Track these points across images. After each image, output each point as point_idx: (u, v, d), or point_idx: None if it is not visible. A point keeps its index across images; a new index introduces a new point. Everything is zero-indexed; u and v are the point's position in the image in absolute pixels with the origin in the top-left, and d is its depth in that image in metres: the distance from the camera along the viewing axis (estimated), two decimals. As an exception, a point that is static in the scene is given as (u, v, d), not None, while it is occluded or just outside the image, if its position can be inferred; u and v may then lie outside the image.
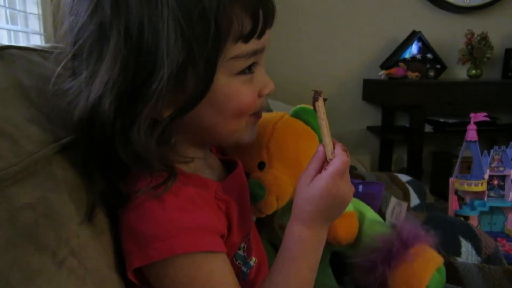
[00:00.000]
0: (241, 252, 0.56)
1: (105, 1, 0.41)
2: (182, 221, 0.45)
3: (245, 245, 0.56)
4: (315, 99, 0.50)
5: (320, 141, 0.52)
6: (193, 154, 0.52)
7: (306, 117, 0.66)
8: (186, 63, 0.42)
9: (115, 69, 0.41)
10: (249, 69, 0.49)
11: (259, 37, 0.47)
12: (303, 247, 0.50)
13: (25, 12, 1.47)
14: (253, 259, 0.57)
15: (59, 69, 0.45)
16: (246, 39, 0.45)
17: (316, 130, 0.65)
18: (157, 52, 0.41)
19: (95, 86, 0.42)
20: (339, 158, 0.49)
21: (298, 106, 0.67)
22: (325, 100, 0.50)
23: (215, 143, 0.59)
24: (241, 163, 0.62)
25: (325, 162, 0.51)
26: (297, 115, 0.67)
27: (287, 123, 0.65)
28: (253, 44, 0.46)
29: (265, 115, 0.65)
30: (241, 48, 0.46)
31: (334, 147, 0.51)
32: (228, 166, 0.61)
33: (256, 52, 0.48)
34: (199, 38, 0.42)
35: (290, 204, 0.58)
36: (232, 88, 0.48)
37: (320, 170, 0.50)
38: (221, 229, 0.49)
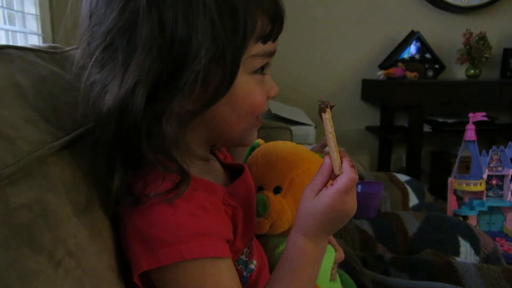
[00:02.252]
0: (243, 257, 0.56)
1: None
2: (192, 227, 0.45)
3: (248, 250, 0.56)
4: (321, 110, 0.49)
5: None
6: (200, 155, 0.53)
7: None
8: (216, 57, 0.44)
9: (150, 59, 0.42)
10: (262, 70, 0.51)
11: (274, 39, 0.50)
12: (305, 260, 0.50)
13: (23, 12, 1.47)
14: (254, 262, 0.57)
15: (92, 61, 0.45)
16: (265, 39, 0.49)
17: None
18: (190, 45, 0.43)
19: (130, 74, 0.42)
20: (347, 175, 0.48)
21: None
22: (332, 107, 0.49)
23: (222, 142, 0.59)
24: (264, 175, 0.64)
25: (331, 175, 0.50)
26: None
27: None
28: (269, 46, 0.50)
29: (309, 151, 0.68)
30: (260, 47, 0.49)
31: (341, 162, 0.50)
32: (232, 171, 0.61)
33: (270, 54, 0.51)
34: (228, 35, 0.44)
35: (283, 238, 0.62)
36: (249, 87, 0.50)
37: (326, 183, 0.50)
38: (228, 235, 0.50)
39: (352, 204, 0.49)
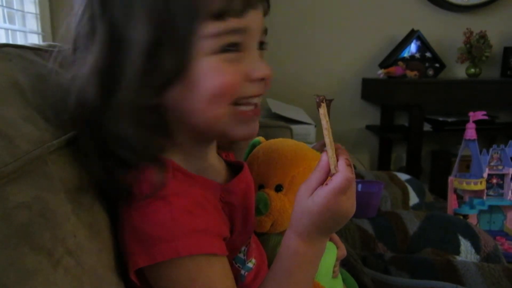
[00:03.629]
0: (241, 255, 0.55)
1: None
2: (188, 224, 0.45)
3: (246, 248, 0.56)
4: (317, 105, 0.46)
5: None
6: (197, 152, 0.53)
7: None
8: (158, 42, 0.43)
9: (98, 54, 0.44)
10: (234, 47, 0.47)
11: (238, 15, 0.45)
12: (298, 261, 0.49)
13: (22, 11, 1.47)
14: (253, 260, 0.56)
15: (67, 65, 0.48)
16: (220, 16, 0.45)
17: None
18: (130, 33, 0.43)
19: (82, 72, 0.45)
20: (342, 175, 0.45)
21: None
22: (330, 101, 0.47)
23: (202, 134, 0.54)
24: (265, 173, 0.63)
25: (328, 173, 0.48)
26: None
27: None
28: (232, 23, 0.45)
29: (310, 149, 0.67)
30: (216, 26, 0.45)
31: (338, 160, 0.47)
32: (233, 169, 0.60)
33: (237, 32, 0.46)
34: (171, 16, 0.43)
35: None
36: (210, 66, 0.46)
37: (322, 181, 0.47)
38: (224, 232, 0.49)
39: (349, 205, 0.47)
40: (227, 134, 0.51)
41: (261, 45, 0.52)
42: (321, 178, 0.48)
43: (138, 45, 0.43)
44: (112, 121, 0.44)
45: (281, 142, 0.68)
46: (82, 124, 0.46)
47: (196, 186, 0.48)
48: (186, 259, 0.44)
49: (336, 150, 0.48)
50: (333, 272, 0.66)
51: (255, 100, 0.51)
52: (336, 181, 0.46)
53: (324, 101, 0.46)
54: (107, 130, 0.45)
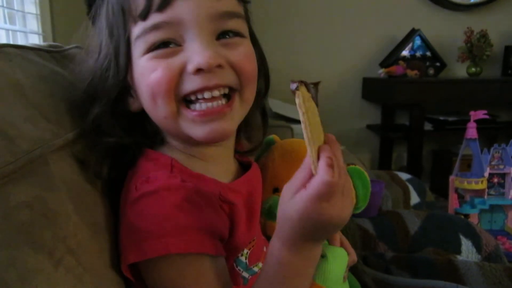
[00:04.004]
0: (243, 259, 0.53)
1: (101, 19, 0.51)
2: (179, 220, 0.44)
3: (249, 252, 0.54)
4: (293, 93, 0.38)
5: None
6: (195, 152, 0.52)
7: (352, 175, 0.62)
8: (110, 52, 0.49)
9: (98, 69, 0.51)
10: (164, 43, 0.45)
11: (160, 10, 0.44)
12: (283, 272, 0.43)
13: (23, 12, 1.47)
14: (259, 265, 0.55)
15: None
16: (142, 15, 0.45)
17: (357, 188, 0.62)
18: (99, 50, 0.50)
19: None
20: (320, 179, 0.38)
21: (351, 166, 0.64)
22: (316, 84, 0.41)
23: (172, 136, 0.52)
24: (280, 176, 0.61)
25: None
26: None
27: None
28: (155, 18, 0.45)
29: None
30: (141, 26, 0.45)
31: (319, 158, 0.39)
32: (244, 168, 0.59)
33: (160, 27, 0.45)
34: (113, 26, 0.48)
35: None
36: (143, 66, 0.46)
37: (306, 182, 0.40)
38: (221, 232, 0.48)
39: (334, 212, 0.40)
40: (187, 135, 0.48)
41: (223, 35, 0.47)
42: (304, 178, 0.40)
43: (101, 58, 0.49)
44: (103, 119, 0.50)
45: (297, 145, 0.65)
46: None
47: (192, 183, 0.47)
48: (175, 256, 0.44)
49: (323, 143, 0.41)
50: (343, 278, 0.65)
51: (206, 95, 0.46)
52: (313, 186, 0.39)
53: (300, 85, 0.38)
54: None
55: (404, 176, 1.48)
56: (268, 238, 0.57)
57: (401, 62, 2.39)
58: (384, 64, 2.49)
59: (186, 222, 0.44)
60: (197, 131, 0.48)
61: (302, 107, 0.38)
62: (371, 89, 2.56)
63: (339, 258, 0.58)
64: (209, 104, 0.47)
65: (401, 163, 2.70)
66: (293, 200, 0.41)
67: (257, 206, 0.57)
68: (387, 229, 1.04)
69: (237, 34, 0.48)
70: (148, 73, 0.46)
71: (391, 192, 1.35)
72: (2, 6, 1.35)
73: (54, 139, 0.45)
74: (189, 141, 0.50)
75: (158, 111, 0.47)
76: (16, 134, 0.41)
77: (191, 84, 0.45)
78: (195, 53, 0.44)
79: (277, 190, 0.62)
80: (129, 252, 0.45)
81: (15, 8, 1.43)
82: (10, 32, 1.38)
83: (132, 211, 0.45)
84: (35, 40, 1.51)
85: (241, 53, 0.48)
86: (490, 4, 2.58)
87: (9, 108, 0.43)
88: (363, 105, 2.64)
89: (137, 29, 0.46)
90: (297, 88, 0.38)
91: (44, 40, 1.52)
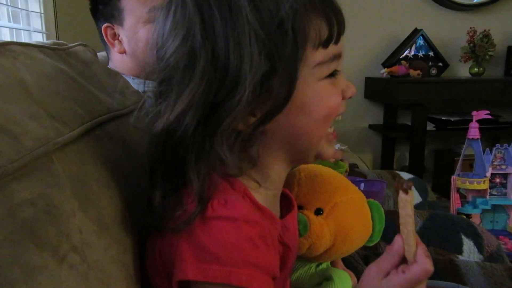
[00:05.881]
0: None
1: (195, 29, 0.44)
2: (248, 254, 0.44)
3: None
4: (403, 190, 0.47)
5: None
6: (271, 181, 0.52)
7: (371, 208, 0.68)
8: (268, 73, 0.44)
9: (201, 87, 0.44)
10: (333, 73, 0.50)
11: (336, 42, 0.49)
12: None
13: (27, 10, 1.48)
14: None
15: (152, 93, 0.49)
16: (325, 44, 0.48)
17: (375, 222, 0.67)
18: (241, 66, 0.44)
19: (181, 102, 0.45)
20: (422, 267, 0.47)
21: (371, 200, 0.70)
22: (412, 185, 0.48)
23: (301, 156, 0.55)
24: (306, 195, 0.63)
25: (402, 258, 0.49)
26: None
27: (361, 201, 0.68)
28: (333, 49, 0.49)
29: (349, 181, 0.68)
30: (322, 54, 0.48)
31: (416, 249, 0.48)
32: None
33: (338, 57, 0.50)
34: (278, 49, 0.44)
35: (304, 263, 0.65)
36: (321, 92, 0.49)
37: (395, 265, 0.49)
38: (276, 272, 0.48)
39: None
40: (320, 154, 0.53)
41: None
42: (394, 262, 0.49)
43: (251, 78, 0.43)
44: (203, 144, 0.46)
45: (323, 168, 0.69)
46: (165, 141, 0.47)
47: (265, 219, 0.48)
48: None
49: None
50: None
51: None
52: (414, 272, 0.47)
53: (411, 188, 0.47)
54: (196, 147, 0.46)
55: (406, 176, 1.48)
56: None
57: (403, 62, 2.39)
58: (386, 64, 2.49)
59: (253, 258, 0.45)
60: (330, 149, 0.54)
61: (411, 203, 0.48)
62: (374, 88, 2.56)
63: (344, 280, 0.63)
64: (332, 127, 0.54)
65: (403, 162, 2.70)
66: (386, 282, 0.49)
67: (298, 243, 0.58)
68: (389, 229, 1.04)
69: None
70: (327, 96, 0.50)
71: (392, 192, 1.35)
72: (6, 4, 1.35)
73: (58, 137, 0.45)
74: (290, 165, 0.55)
75: (321, 130, 0.51)
76: (21, 131, 0.41)
77: (342, 108, 0.52)
78: (348, 82, 0.53)
79: (300, 208, 0.64)
80: (189, 267, 0.44)
81: (19, 6, 1.43)
82: (14, 30, 1.38)
83: (204, 229, 0.45)
84: (39, 38, 1.51)
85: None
86: (493, 4, 2.58)
87: (14, 106, 0.43)
88: (365, 104, 2.64)
89: (318, 55, 0.48)
90: (409, 188, 0.47)
91: (48, 39, 1.53)
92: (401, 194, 0.48)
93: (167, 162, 0.47)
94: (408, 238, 0.48)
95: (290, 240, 0.53)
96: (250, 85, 0.43)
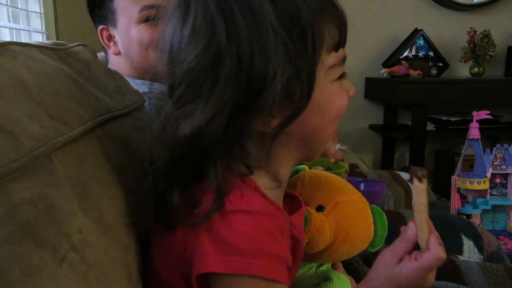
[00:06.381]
0: None
1: (220, 32, 0.45)
2: (267, 246, 0.46)
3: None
4: (418, 179, 0.49)
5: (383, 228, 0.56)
6: (281, 179, 0.53)
7: (374, 213, 0.70)
8: (292, 76, 0.46)
9: (228, 91, 0.45)
10: (342, 75, 0.54)
11: (343, 45, 0.53)
12: None
13: (27, 10, 1.48)
14: None
15: (174, 98, 0.48)
16: (336, 48, 0.51)
17: (377, 227, 0.69)
18: (267, 70, 0.45)
19: (209, 107, 0.45)
20: (435, 254, 0.50)
21: (374, 206, 0.71)
22: (428, 173, 0.49)
23: (310, 153, 0.57)
24: (308, 193, 0.65)
25: (415, 244, 0.51)
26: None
27: (362, 203, 0.69)
28: (341, 52, 0.52)
29: (352, 186, 0.70)
30: (335, 57, 0.51)
31: (429, 236, 0.50)
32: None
33: (345, 60, 0.54)
34: (300, 53, 0.46)
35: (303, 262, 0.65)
36: (333, 92, 0.52)
37: (408, 251, 0.52)
38: (290, 263, 0.49)
39: (431, 278, 0.52)
40: (326, 152, 0.57)
41: None
42: (407, 248, 0.52)
43: (278, 81, 0.45)
44: (231, 144, 0.47)
45: (327, 173, 0.73)
46: (192, 146, 0.47)
47: (279, 212, 0.49)
48: (254, 279, 0.45)
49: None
50: None
51: None
52: (427, 259, 0.50)
53: (425, 175, 0.48)
54: (219, 151, 0.47)
55: (406, 176, 1.48)
56: None
57: (403, 62, 2.39)
58: (386, 64, 2.49)
59: (273, 249, 0.46)
60: (333, 147, 0.57)
61: (426, 192, 0.49)
62: (374, 89, 2.56)
63: (343, 281, 0.64)
64: None
65: (403, 163, 2.70)
66: (400, 267, 0.52)
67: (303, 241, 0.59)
68: (389, 229, 1.04)
69: None
70: (338, 97, 0.53)
71: (392, 192, 1.35)
72: (6, 5, 1.36)
73: (58, 137, 0.45)
74: (300, 160, 0.57)
75: (331, 129, 0.54)
76: (20, 131, 0.41)
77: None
78: (349, 83, 0.56)
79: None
80: (212, 259, 0.44)
81: (19, 7, 1.43)
82: (14, 31, 1.38)
83: (223, 223, 0.45)
84: (39, 39, 1.51)
85: None
86: (493, 4, 2.58)
87: (14, 106, 0.43)
88: (365, 105, 2.64)
89: (331, 59, 0.51)
90: (424, 176, 0.49)
91: (48, 39, 1.53)
92: (416, 182, 0.49)
93: (187, 162, 0.48)
94: (421, 226, 0.50)
95: (299, 235, 0.54)
96: (277, 88, 0.45)
